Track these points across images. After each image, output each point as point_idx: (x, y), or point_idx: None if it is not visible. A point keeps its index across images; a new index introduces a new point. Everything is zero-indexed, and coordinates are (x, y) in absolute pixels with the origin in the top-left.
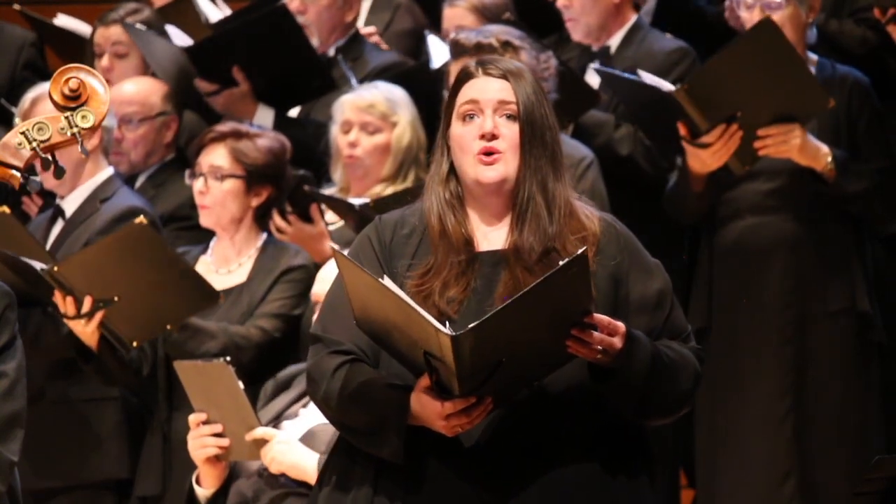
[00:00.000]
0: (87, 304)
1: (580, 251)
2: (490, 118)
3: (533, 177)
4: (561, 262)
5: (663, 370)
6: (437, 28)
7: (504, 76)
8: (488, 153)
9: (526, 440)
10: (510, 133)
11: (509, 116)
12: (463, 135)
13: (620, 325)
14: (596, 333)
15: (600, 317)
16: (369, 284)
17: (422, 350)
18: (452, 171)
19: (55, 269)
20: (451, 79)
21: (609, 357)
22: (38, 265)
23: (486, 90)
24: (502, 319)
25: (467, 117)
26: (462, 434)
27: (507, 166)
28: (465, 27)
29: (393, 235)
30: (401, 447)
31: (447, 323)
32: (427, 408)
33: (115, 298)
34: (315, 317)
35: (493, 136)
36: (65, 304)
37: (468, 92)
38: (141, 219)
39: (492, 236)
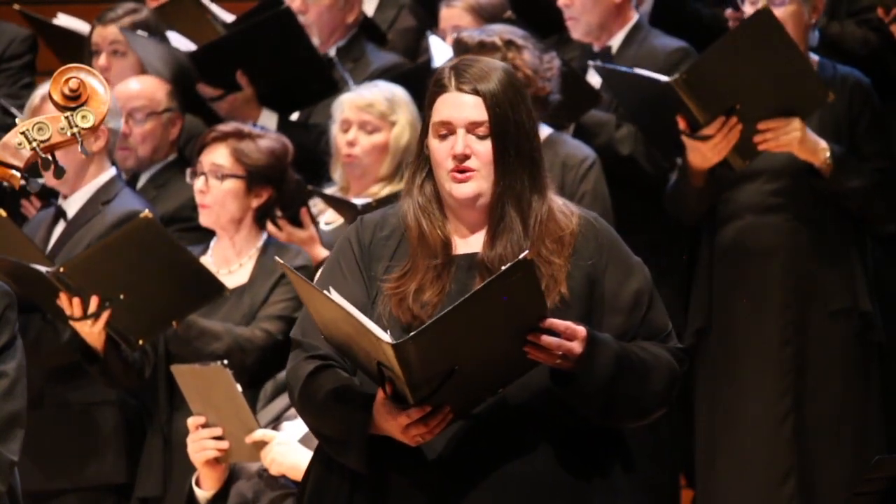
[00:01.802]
0: (93, 303)
1: (522, 255)
2: (462, 139)
3: (508, 192)
4: (503, 268)
5: (631, 373)
6: (434, 28)
7: (475, 90)
8: (461, 171)
9: (490, 449)
10: (483, 151)
11: (482, 136)
12: (437, 150)
13: (580, 330)
14: (553, 339)
15: (557, 321)
16: (319, 299)
17: (376, 361)
18: (431, 175)
19: (61, 269)
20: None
21: (570, 362)
22: (43, 268)
23: (458, 109)
24: (444, 327)
25: (441, 136)
26: (425, 445)
27: (479, 183)
28: (461, 27)
29: (372, 237)
30: (363, 458)
31: (419, 327)
32: (386, 419)
33: (121, 296)
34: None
35: (465, 157)
36: (71, 306)
37: (441, 109)
38: (146, 213)
39: (471, 240)
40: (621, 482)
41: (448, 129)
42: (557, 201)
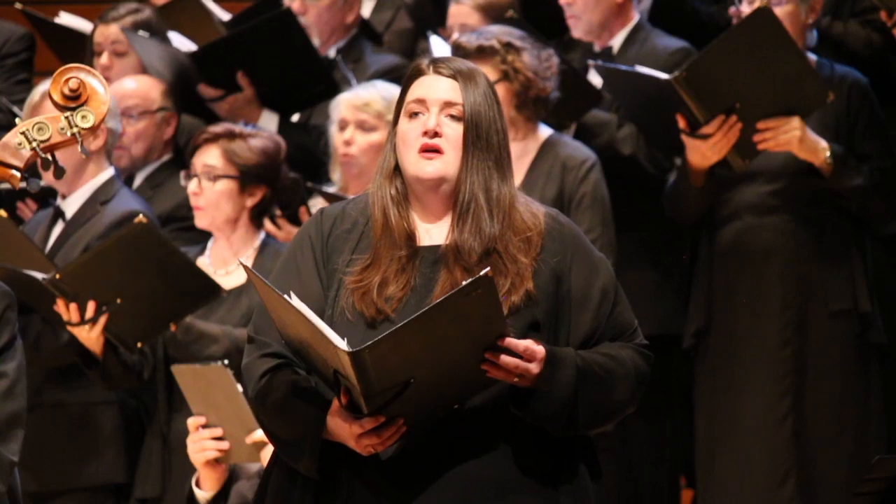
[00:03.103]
0: (90, 309)
1: (483, 272)
2: (434, 116)
3: (474, 177)
4: (463, 283)
5: (594, 385)
6: (441, 25)
7: (454, 76)
8: (429, 150)
9: (449, 452)
10: (453, 133)
11: (454, 117)
12: (407, 131)
13: (539, 350)
14: (510, 359)
15: (516, 342)
16: (278, 301)
17: (332, 368)
18: (398, 167)
19: (57, 276)
20: None
21: (528, 381)
22: (39, 275)
23: (434, 89)
24: (401, 338)
25: (413, 115)
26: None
27: (446, 165)
28: (468, 26)
29: (332, 229)
30: (314, 464)
31: (383, 321)
32: (341, 427)
33: (118, 301)
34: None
35: (436, 134)
36: (68, 312)
37: (416, 90)
38: (140, 217)
39: (433, 232)
40: (583, 482)
41: (422, 107)
42: (521, 198)
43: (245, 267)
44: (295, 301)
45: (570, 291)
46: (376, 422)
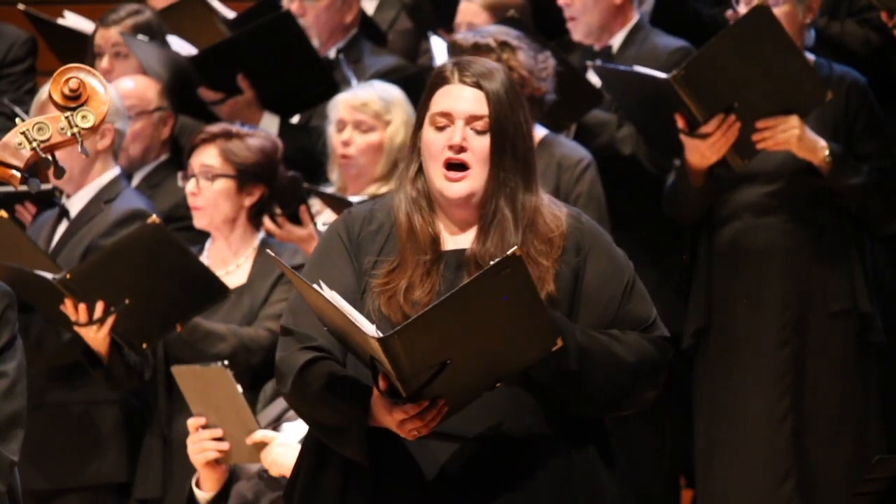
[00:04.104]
0: (98, 309)
1: (510, 251)
2: (460, 130)
3: (501, 190)
4: (491, 262)
5: (603, 359)
6: (441, 26)
7: (478, 84)
8: (454, 166)
9: (485, 471)
10: (480, 146)
11: (480, 131)
12: (433, 142)
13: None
14: None
15: None
16: (312, 294)
17: (369, 355)
18: (421, 171)
19: (67, 276)
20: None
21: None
22: (49, 275)
23: (460, 100)
24: (430, 321)
25: (439, 127)
26: (425, 465)
27: (472, 182)
28: (475, 25)
29: (360, 230)
30: (363, 450)
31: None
32: (383, 413)
33: (127, 301)
34: (285, 309)
35: (462, 149)
36: (76, 312)
37: (441, 101)
38: (153, 218)
39: (458, 238)
40: (611, 483)
41: (447, 120)
42: (545, 200)
43: (277, 261)
44: (325, 290)
45: (582, 287)
46: (419, 407)
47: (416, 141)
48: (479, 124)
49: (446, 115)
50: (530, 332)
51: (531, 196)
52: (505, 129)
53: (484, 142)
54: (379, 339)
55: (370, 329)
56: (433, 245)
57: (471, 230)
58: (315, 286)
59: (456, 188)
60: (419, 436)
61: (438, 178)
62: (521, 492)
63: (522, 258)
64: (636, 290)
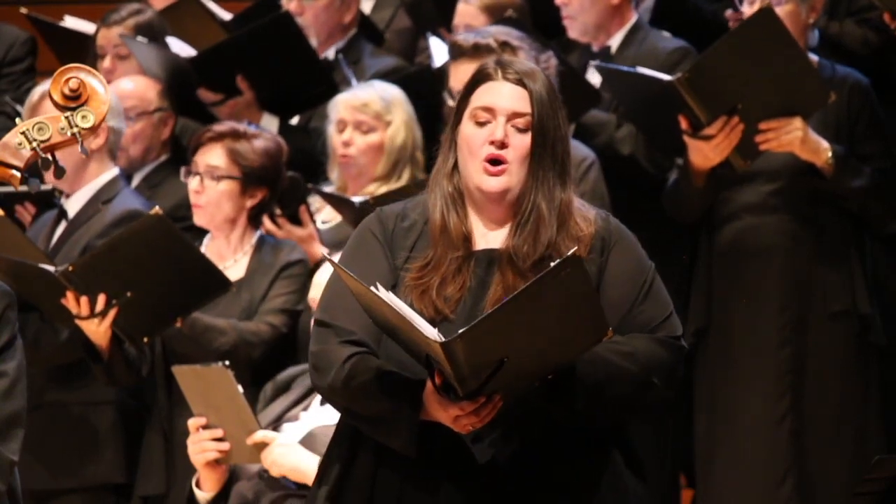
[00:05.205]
0: (100, 302)
1: (570, 252)
2: (502, 127)
3: (539, 189)
4: (552, 264)
5: (607, 371)
6: (440, 24)
7: (521, 82)
8: (495, 162)
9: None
10: (520, 144)
11: (521, 129)
12: (473, 136)
13: None
14: None
15: None
16: (364, 292)
17: (424, 353)
18: (457, 167)
19: (70, 268)
20: (451, 80)
21: None
22: (51, 267)
23: (503, 97)
24: (494, 323)
25: (480, 123)
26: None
27: (511, 178)
28: (473, 27)
29: (394, 226)
30: (413, 442)
31: (442, 321)
32: (437, 408)
33: (128, 294)
34: (318, 303)
35: (503, 145)
36: (78, 305)
37: (484, 97)
38: (157, 209)
39: (490, 236)
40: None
41: (489, 115)
42: (576, 201)
43: (327, 258)
44: (382, 292)
45: (601, 285)
46: (475, 404)
47: (453, 136)
48: (521, 122)
49: (489, 109)
50: (584, 326)
51: (565, 194)
52: (546, 128)
53: (524, 140)
54: (442, 344)
55: (432, 333)
56: (465, 243)
57: (502, 228)
58: (372, 289)
59: (494, 182)
60: (472, 430)
61: (477, 172)
62: (551, 492)
63: (582, 259)
64: (653, 290)
